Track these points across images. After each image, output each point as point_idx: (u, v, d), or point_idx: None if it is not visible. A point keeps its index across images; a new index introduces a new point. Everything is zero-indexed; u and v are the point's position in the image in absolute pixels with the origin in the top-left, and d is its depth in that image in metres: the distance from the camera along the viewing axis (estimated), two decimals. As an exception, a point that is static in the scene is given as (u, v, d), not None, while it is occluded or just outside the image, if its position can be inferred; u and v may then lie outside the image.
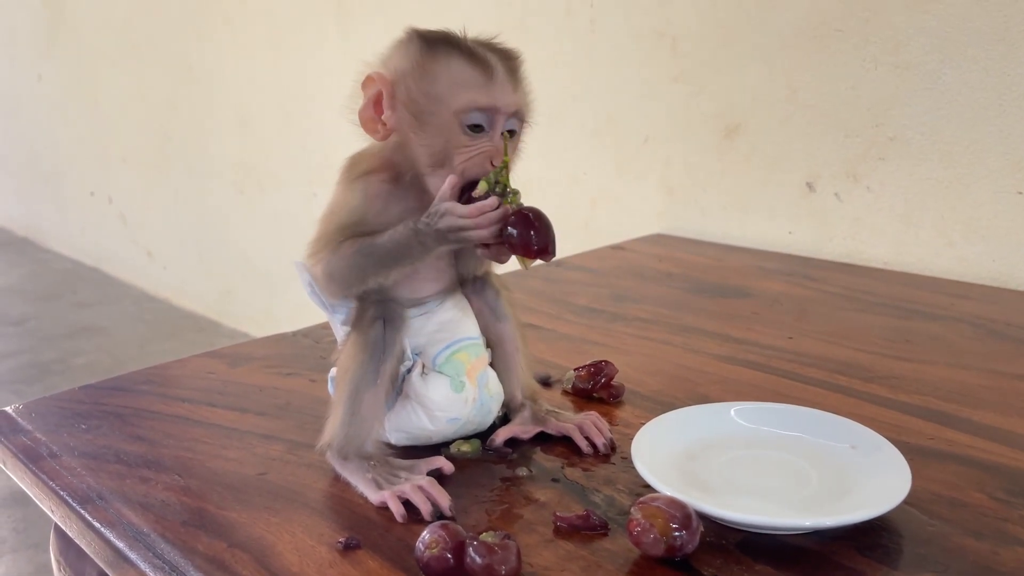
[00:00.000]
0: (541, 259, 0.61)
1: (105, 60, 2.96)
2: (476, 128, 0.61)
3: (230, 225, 2.58)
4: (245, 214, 2.51)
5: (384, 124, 0.63)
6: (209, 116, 2.56)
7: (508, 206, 0.61)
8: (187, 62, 2.58)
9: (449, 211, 0.60)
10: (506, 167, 0.61)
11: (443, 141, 0.62)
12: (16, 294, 3.07)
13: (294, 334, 0.97)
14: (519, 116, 0.64)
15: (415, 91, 0.61)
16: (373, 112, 0.63)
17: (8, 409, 0.80)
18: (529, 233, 0.60)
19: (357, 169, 0.66)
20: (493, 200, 0.60)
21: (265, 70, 2.32)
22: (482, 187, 0.61)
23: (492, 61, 0.61)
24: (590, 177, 1.56)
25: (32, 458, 0.71)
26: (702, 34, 1.37)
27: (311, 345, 0.94)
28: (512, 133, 0.64)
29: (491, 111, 0.61)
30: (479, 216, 0.59)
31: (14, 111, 3.61)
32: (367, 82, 0.63)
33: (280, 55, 2.26)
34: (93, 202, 3.21)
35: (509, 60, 0.63)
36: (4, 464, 0.75)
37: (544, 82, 1.55)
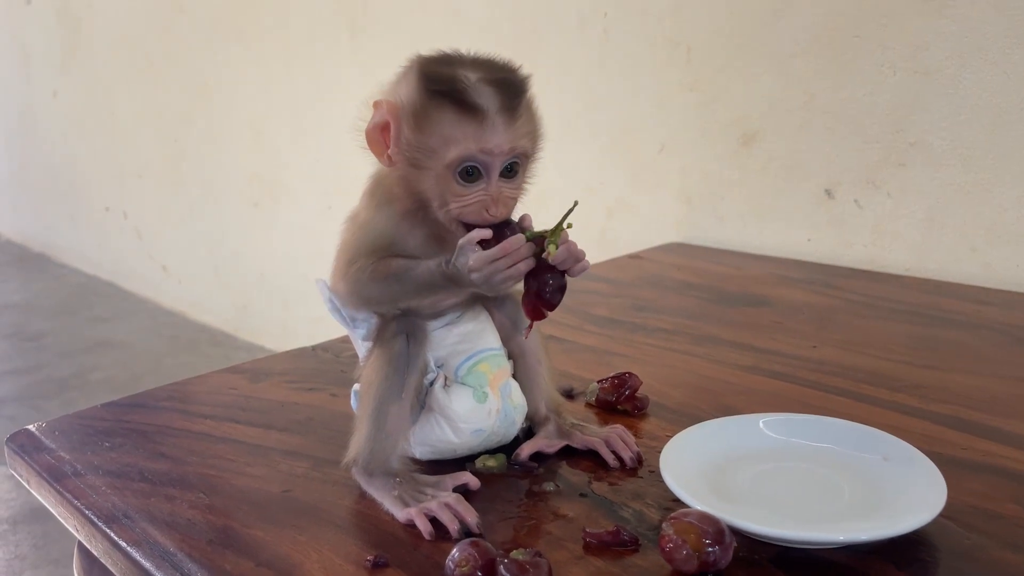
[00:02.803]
0: (541, 312, 0.61)
1: (120, 76, 2.98)
2: (470, 175, 0.60)
3: (245, 239, 2.59)
4: (260, 227, 2.52)
5: (390, 157, 0.62)
6: (224, 130, 2.57)
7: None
8: (202, 77, 2.59)
9: (476, 265, 0.59)
10: (560, 229, 0.61)
11: (439, 189, 0.61)
12: (33, 310, 3.09)
13: (314, 348, 0.97)
14: (517, 152, 0.61)
15: (411, 142, 0.61)
16: (381, 138, 0.62)
17: (31, 427, 0.80)
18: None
19: (380, 193, 0.66)
20: (520, 237, 0.59)
21: (279, 84, 2.32)
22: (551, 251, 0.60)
23: (485, 104, 0.59)
24: (606, 187, 1.55)
25: (56, 477, 0.71)
26: (717, 42, 1.37)
27: (331, 359, 0.94)
28: (513, 170, 0.62)
29: (484, 157, 0.60)
30: (510, 254, 0.59)
31: (30, 127, 3.63)
32: (376, 105, 0.62)
33: (294, 69, 2.27)
34: (109, 217, 3.23)
35: (509, 95, 0.60)
36: (28, 483, 0.75)
37: (558, 93, 1.56)
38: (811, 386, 0.83)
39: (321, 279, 0.69)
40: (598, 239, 1.57)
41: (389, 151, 0.62)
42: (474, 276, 0.59)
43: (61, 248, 3.63)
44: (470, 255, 0.59)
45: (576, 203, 0.61)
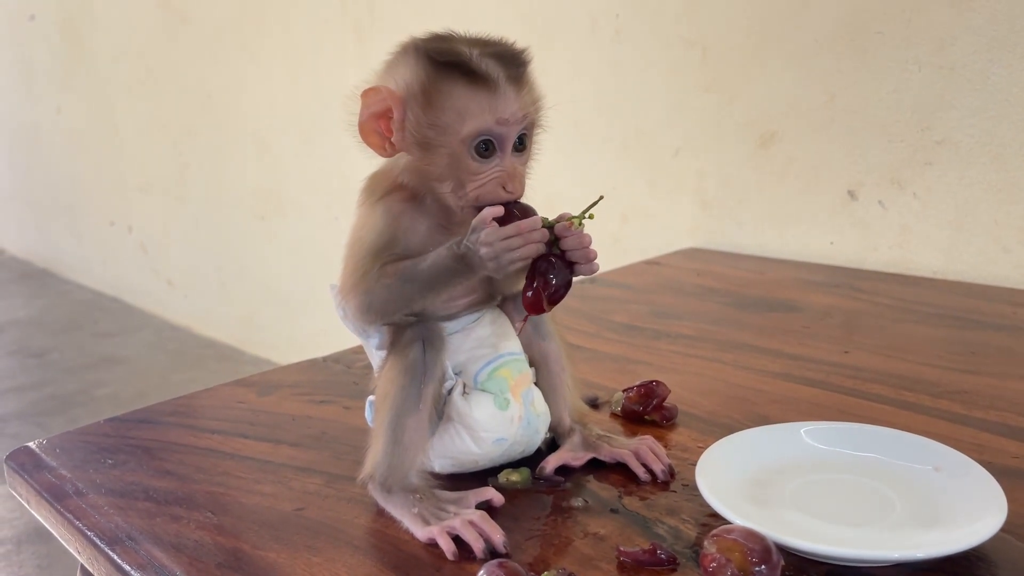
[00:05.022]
0: (540, 305, 0.59)
1: (123, 90, 2.96)
2: (485, 150, 0.59)
3: (250, 251, 2.56)
4: (265, 240, 2.49)
5: (392, 144, 0.60)
6: (228, 143, 2.55)
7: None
8: (205, 89, 2.57)
9: (488, 239, 0.57)
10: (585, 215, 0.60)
11: (453, 169, 0.59)
12: (37, 326, 3.06)
13: (324, 360, 0.94)
14: (528, 122, 0.60)
15: (422, 121, 0.59)
16: (378, 127, 0.60)
17: (31, 444, 0.77)
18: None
19: (377, 190, 0.63)
20: (537, 219, 0.58)
21: (283, 95, 2.30)
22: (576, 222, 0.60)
23: (494, 74, 0.58)
24: (620, 192, 1.52)
25: (57, 496, 0.68)
26: (733, 41, 1.33)
27: (343, 371, 0.90)
28: (523, 143, 0.60)
29: (498, 128, 0.58)
30: (524, 234, 0.57)
31: (34, 143, 3.62)
32: (370, 93, 0.59)
33: (299, 79, 2.24)
34: (113, 232, 3.20)
35: (514, 66, 0.59)
36: (28, 503, 0.72)
37: (571, 96, 1.53)
38: (848, 393, 0.79)
39: (333, 284, 0.65)
40: (612, 245, 1.53)
41: (392, 139, 0.60)
42: (483, 251, 0.56)
43: (66, 264, 3.60)
44: (482, 230, 0.57)
45: (601, 197, 0.61)
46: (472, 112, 0.58)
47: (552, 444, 0.69)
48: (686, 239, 1.44)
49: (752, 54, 1.31)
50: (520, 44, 0.61)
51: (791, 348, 0.91)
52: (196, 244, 2.79)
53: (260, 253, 2.53)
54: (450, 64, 0.58)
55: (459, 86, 0.58)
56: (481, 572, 0.49)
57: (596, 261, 0.60)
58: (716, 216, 1.40)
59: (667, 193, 1.46)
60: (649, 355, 0.92)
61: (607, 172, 1.53)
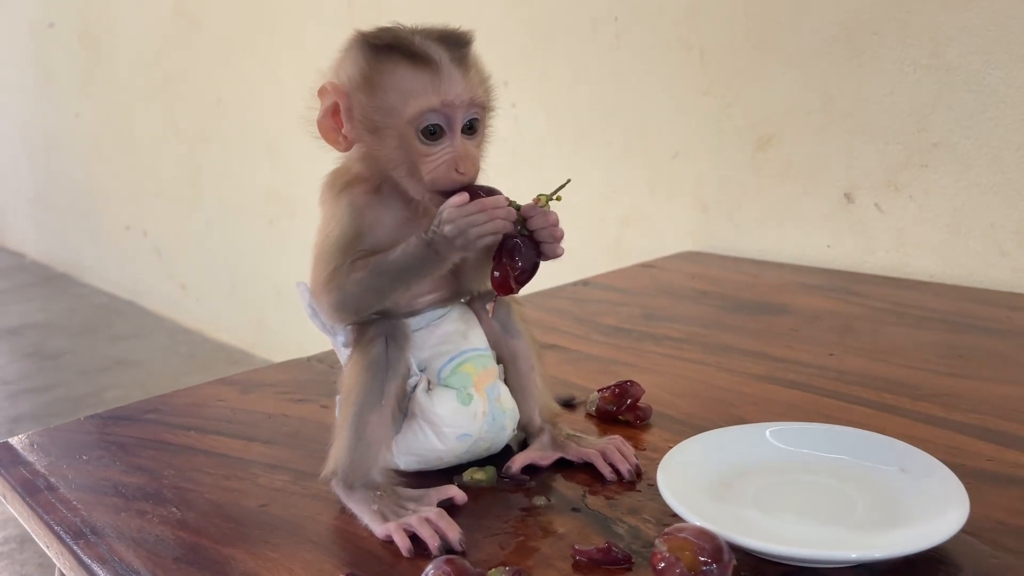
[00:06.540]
0: (509, 285, 0.59)
1: (139, 96, 2.99)
2: (434, 132, 0.59)
3: (262, 256, 2.58)
4: (276, 244, 2.50)
5: (345, 137, 0.61)
6: (240, 148, 2.57)
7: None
8: (217, 94, 2.59)
9: (451, 217, 0.57)
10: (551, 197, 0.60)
11: (404, 152, 0.59)
12: (54, 329, 3.10)
13: (308, 359, 0.94)
14: (476, 104, 0.60)
15: (367, 106, 0.59)
16: (332, 123, 0.61)
17: (11, 440, 0.77)
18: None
19: (337, 184, 0.64)
20: (501, 197, 0.58)
21: (294, 99, 2.31)
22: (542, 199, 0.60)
23: (436, 56, 0.58)
24: (620, 195, 1.51)
25: (29, 491, 0.68)
26: (732, 44, 1.32)
27: (325, 370, 0.90)
28: (473, 127, 0.60)
29: (444, 110, 0.58)
30: (488, 210, 0.57)
31: (53, 149, 3.67)
32: (322, 91, 0.61)
33: (309, 84, 2.25)
34: (128, 236, 3.23)
35: (457, 48, 0.59)
36: (4, 498, 0.73)
37: (570, 99, 1.53)
38: (829, 395, 0.78)
39: (302, 282, 0.66)
40: (613, 248, 1.52)
41: (343, 131, 0.60)
42: (447, 228, 0.56)
43: (83, 267, 3.64)
44: (446, 208, 0.57)
45: (569, 180, 0.60)
46: (415, 92, 0.58)
47: (524, 444, 0.69)
48: (686, 243, 1.43)
49: (750, 57, 1.30)
50: (463, 28, 0.61)
51: (777, 351, 0.90)
52: (209, 248, 2.81)
53: (271, 258, 2.54)
54: (389, 46, 0.58)
55: (400, 67, 0.58)
56: (429, 568, 0.49)
57: (562, 243, 0.60)
58: (714, 219, 1.39)
59: (666, 196, 1.45)
60: (633, 357, 0.91)
61: (607, 175, 1.52)
